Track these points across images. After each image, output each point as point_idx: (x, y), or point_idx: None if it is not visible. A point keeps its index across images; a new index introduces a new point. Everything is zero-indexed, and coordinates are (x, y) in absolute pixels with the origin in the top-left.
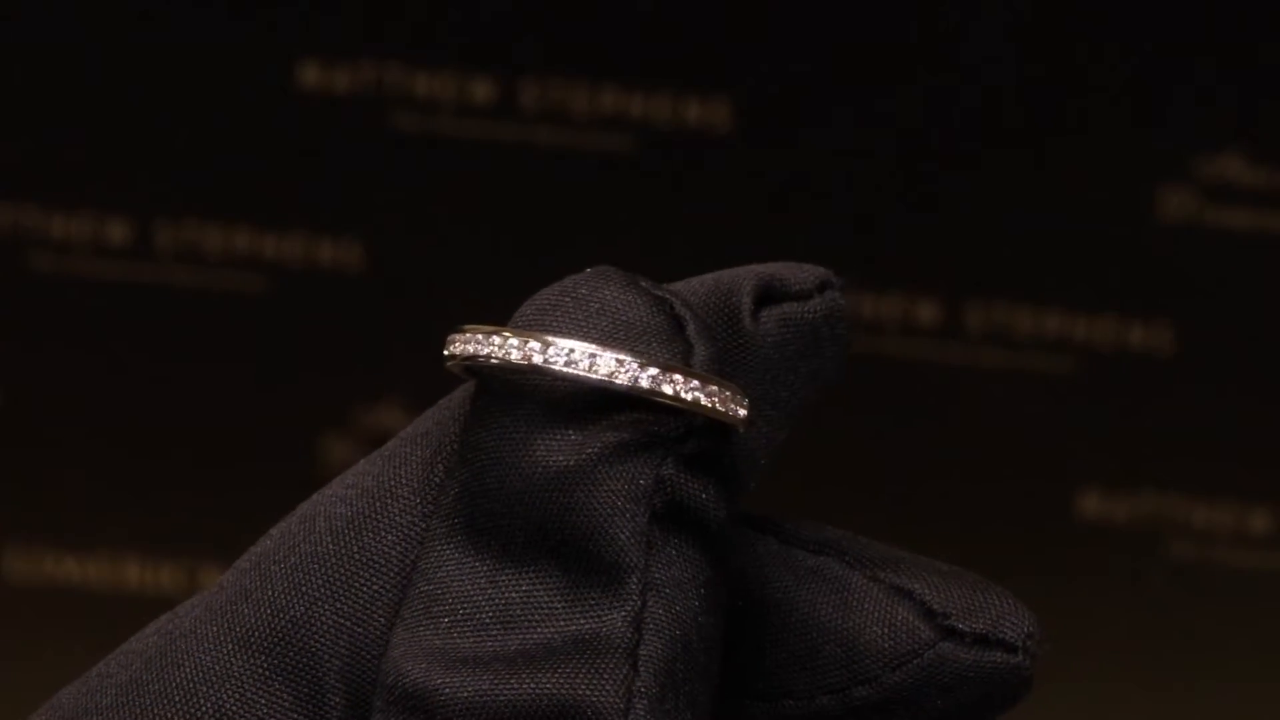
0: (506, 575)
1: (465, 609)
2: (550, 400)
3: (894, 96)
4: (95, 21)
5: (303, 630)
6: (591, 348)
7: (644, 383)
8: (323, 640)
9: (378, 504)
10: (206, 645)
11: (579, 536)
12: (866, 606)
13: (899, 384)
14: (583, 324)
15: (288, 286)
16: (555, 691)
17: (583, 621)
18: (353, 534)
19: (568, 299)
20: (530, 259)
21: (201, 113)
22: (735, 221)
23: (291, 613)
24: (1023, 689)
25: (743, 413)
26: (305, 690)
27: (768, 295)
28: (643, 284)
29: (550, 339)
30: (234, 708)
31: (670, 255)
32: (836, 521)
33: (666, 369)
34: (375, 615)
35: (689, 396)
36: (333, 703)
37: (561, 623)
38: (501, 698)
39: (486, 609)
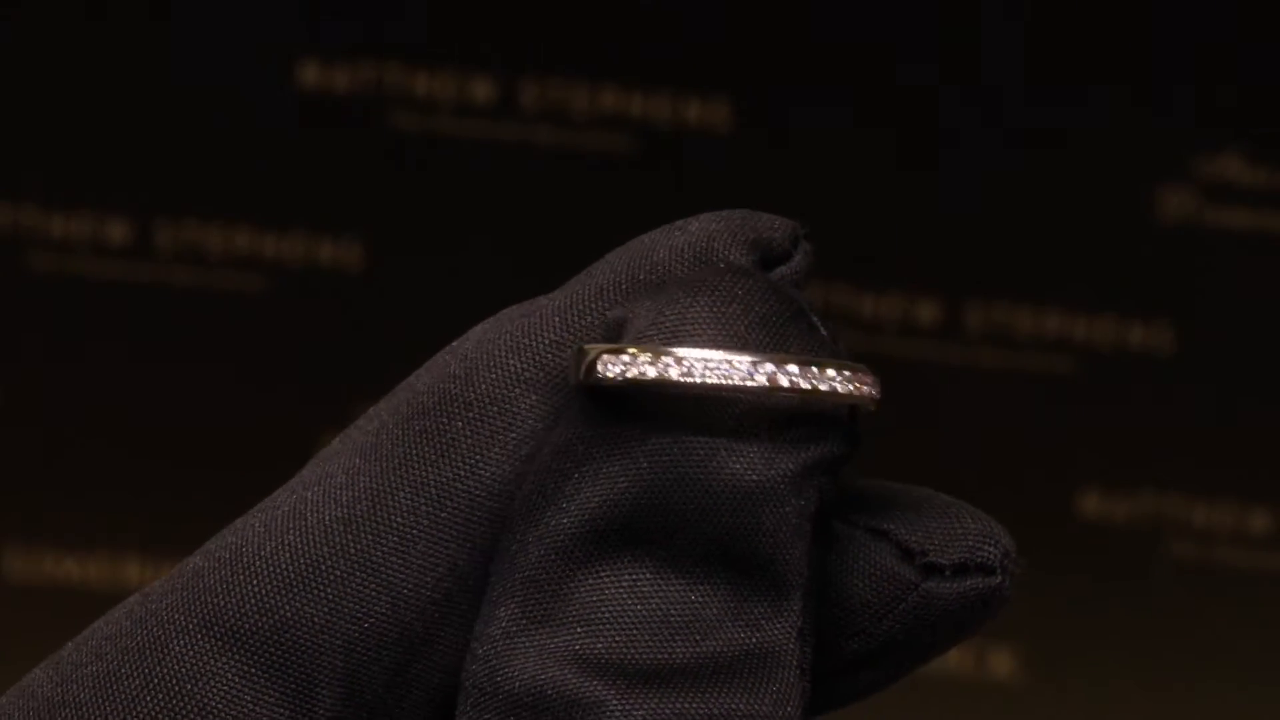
0: (673, 586)
1: (627, 619)
2: (725, 406)
3: (894, 96)
4: (95, 21)
5: (291, 629)
6: (730, 354)
7: (784, 381)
8: (313, 638)
9: (376, 506)
10: (188, 638)
11: (759, 553)
12: (845, 557)
13: (899, 384)
14: (716, 331)
15: (288, 286)
16: (737, 708)
17: (754, 636)
18: (349, 536)
19: (702, 307)
20: (530, 259)
21: (201, 113)
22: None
23: (281, 612)
24: (1000, 607)
25: (876, 393)
26: (293, 688)
27: (762, 264)
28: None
29: (680, 352)
30: (218, 705)
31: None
32: None
33: (802, 364)
34: (370, 614)
35: (825, 388)
36: (322, 700)
37: (729, 636)
38: (687, 714)
39: (653, 620)
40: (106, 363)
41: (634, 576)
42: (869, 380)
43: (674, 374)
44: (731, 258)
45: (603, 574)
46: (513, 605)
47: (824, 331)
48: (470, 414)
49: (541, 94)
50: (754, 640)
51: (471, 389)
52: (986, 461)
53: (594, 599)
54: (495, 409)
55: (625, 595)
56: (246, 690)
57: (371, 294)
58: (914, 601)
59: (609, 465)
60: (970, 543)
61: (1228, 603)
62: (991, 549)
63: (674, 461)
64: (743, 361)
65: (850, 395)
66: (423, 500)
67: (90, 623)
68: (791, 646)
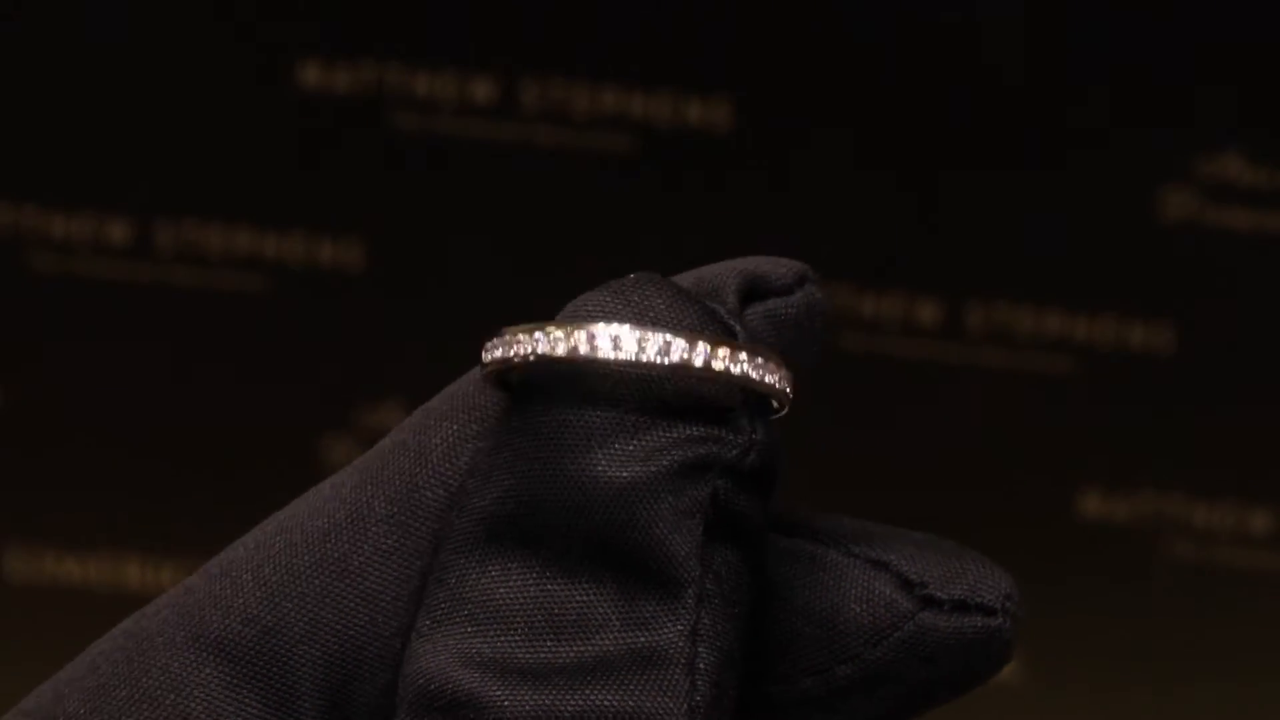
0: (558, 585)
1: (516, 618)
2: (605, 405)
3: (894, 97)
4: (95, 22)
5: (274, 639)
6: (637, 331)
7: (696, 361)
8: (295, 649)
9: (354, 517)
10: (174, 651)
11: (638, 550)
12: (843, 584)
13: (899, 384)
14: (624, 315)
15: (288, 286)
16: (619, 705)
17: (640, 634)
18: (329, 545)
19: (607, 295)
20: (530, 259)
21: (202, 113)
22: (735, 221)
23: (263, 621)
24: (1004, 652)
25: (788, 388)
26: (275, 698)
27: (752, 292)
28: (676, 281)
29: (595, 327)
30: (201, 714)
31: (671, 255)
32: None
33: (714, 344)
34: (349, 627)
35: (738, 370)
36: (305, 712)
37: (617, 635)
38: (565, 712)
39: (539, 618)
40: (107, 363)
41: (522, 575)
42: (783, 374)
43: (583, 350)
44: (721, 284)
45: (493, 572)
46: (424, 607)
47: (740, 339)
48: (445, 423)
49: (542, 94)
50: (641, 639)
51: (449, 400)
52: (987, 461)
53: (483, 598)
54: (467, 415)
55: (514, 594)
56: (229, 701)
57: (372, 294)
58: (909, 631)
59: (500, 464)
60: (971, 582)
61: (1228, 603)
62: (992, 591)
63: (550, 459)
64: (655, 338)
65: (762, 383)
66: (398, 509)
67: (90, 622)
68: (680, 645)
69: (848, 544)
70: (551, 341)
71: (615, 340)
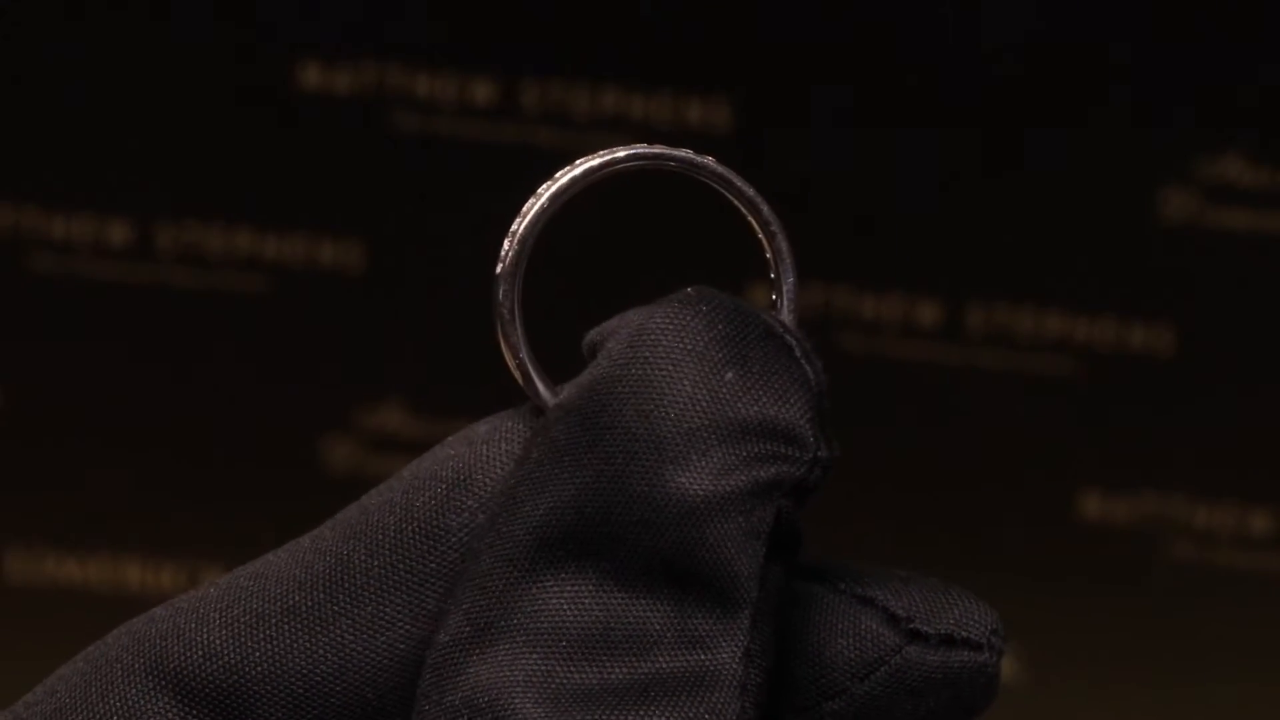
0: (615, 600)
1: (570, 632)
2: (679, 418)
3: (894, 97)
4: (96, 22)
5: (235, 676)
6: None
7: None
8: (257, 689)
9: (332, 568)
10: (132, 678)
11: (704, 569)
12: (830, 619)
13: (899, 385)
14: (671, 337)
15: (289, 287)
16: None
17: (695, 654)
18: (304, 594)
19: (673, 309)
20: (530, 260)
21: (202, 113)
22: (735, 222)
23: (226, 658)
24: (990, 687)
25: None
26: None
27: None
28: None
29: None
30: None
31: (671, 256)
32: (837, 524)
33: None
34: (317, 672)
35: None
36: None
37: (671, 653)
38: None
39: (594, 633)
40: (107, 363)
41: (577, 588)
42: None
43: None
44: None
45: (547, 584)
46: (461, 612)
47: (799, 352)
48: (435, 484)
49: (542, 95)
50: (696, 659)
51: (438, 463)
52: (987, 462)
53: (536, 609)
54: (455, 477)
55: (567, 607)
56: None
57: (372, 294)
58: (896, 665)
59: (558, 474)
60: (957, 617)
61: (1228, 603)
62: (978, 626)
63: (619, 472)
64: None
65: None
66: (379, 563)
67: (90, 623)
68: (735, 667)
69: (835, 581)
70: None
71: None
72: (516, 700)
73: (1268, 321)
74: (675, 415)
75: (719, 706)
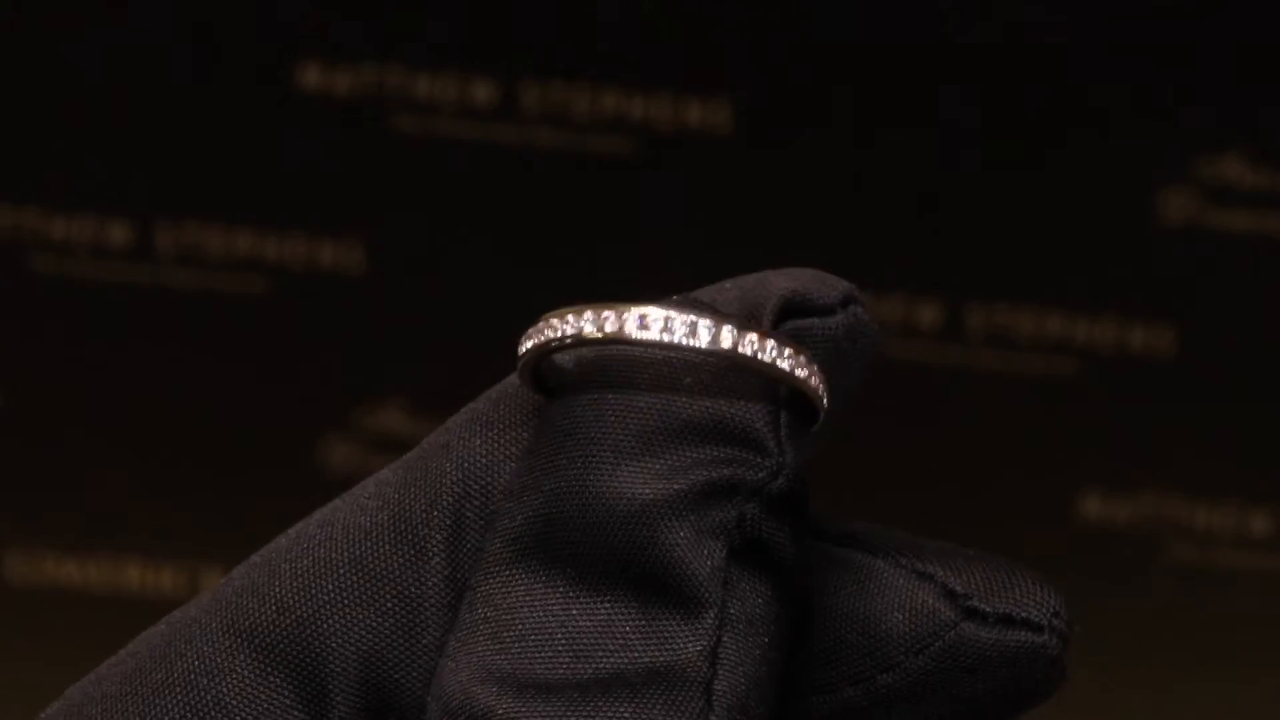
0: (581, 603)
1: (537, 635)
2: (634, 422)
3: (894, 98)
4: (95, 23)
5: (308, 630)
6: (667, 310)
7: (744, 348)
8: (329, 643)
9: (395, 518)
10: (210, 636)
11: (659, 569)
12: (888, 592)
13: (900, 386)
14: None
15: (289, 288)
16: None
17: (658, 653)
18: (368, 545)
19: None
20: (531, 261)
21: (202, 114)
22: (736, 223)
23: (298, 612)
24: (1055, 671)
25: (817, 383)
26: (308, 690)
27: (791, 310)
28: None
29: (624, 307)
30: (234, 701)
31: (671, 257)
32: None
33: (760, 334)
34: (385, 628)
35: (785, 365)
36: (337, 705)
37: (636, 653)
38: None
39: (559, 635)
40: (107, 365)
41: (546, 594)
42: (814, 371)
43: (588, 330)
44: (761, 299)
45: (518, 591)
46: (454, 628)
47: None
48: (489, 430)
49: (542, 96)
50: (660, 658)
51: (493, 405)
52: (988, 464)
53: (506, 617)
54: (510, 419)
55: (536, 612)
56: (262, 689)
57: (372, 296)
58: (950, 640)
59: (530, 485)
60: (1018, 596)
61: (1228, 604)
62: (1040, 608)
63: (576, 477)
64: (706, 324)
65: (806, 382)
66: (438, 514)
67: (90, 624)
68: (698, 665)
69: (896, 555)
70: (579, 324)
71: (642, 319)
72: (479, 694)
73: (1268, 321)
74: (630, 419)
75: (679, 703)
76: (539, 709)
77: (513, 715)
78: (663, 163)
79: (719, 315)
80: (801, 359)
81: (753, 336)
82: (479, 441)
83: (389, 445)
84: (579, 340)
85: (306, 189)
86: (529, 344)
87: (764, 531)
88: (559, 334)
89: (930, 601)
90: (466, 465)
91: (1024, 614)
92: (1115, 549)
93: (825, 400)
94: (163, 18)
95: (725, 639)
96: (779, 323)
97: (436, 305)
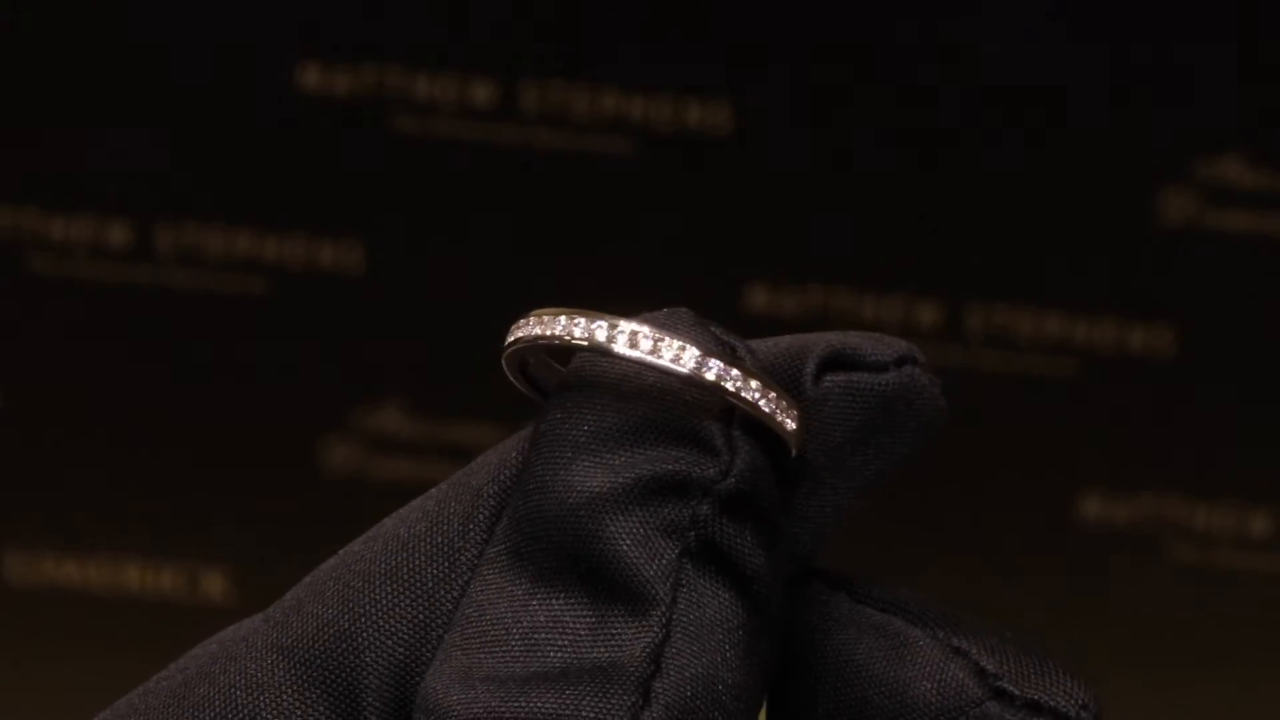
0: (538, 599)
1: (495, 631)
2: (595, 423)
3: (894, 98)
4: (95, 23)
5: (345, 644)
6: (657, 332)
7: (708, 374)
8: (363, 656)
9: (432, 530)
10: (255, 653)
11: (606, 565)
12: (920, 661)
13: None
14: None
15: (288, 289)
16: (557, 712)
17: (603, 650)
18: (404, 556)
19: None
20: (531, 262)
21: (202, 115)
22: (736, 224)
23: (337, 626)
24: None
25: (791, 425)
26: (343, 704)
27: (836, 362)
28: (712, 328)
29: (618, 321)
30: (269, 715)
31: (671, 258)
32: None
33: (731, 363)
34: (415, 637)
35: (750, 396)
36: (369, 715)
37: (584, 649)
38: (504, 714)
39: (515, 632)
40: (107, 365)
41: (511, 589)
42: (784, 407)
43: (577, 333)
44: (807, 349)
45: (491, 587)
46: (450, 627)
47: (745, 360)
48: (525, 445)
49: (542, 97)
50: (605, 655)
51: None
52: (988, 464)
53: (476, 613)
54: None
55: (500, 610)
56: (299, 703)
57: (372, 297)
58: (975, 716)
59: (519, 485)
60: (1048, 685)
61: (1228, 604)
62: (1069, 698)
63: (541, 474)
64: (692, 354)
65: (771, 416)
66: (473, 525)
67: (90, 625)
68: (638, 662)
69: (934, 627)
70: (569, 329)
71: (633, 335)
72: (437, 688)
73: (1268, 321)
74: (593, 419)
75: (611, 697)
76: (479, 699)
77: (456, 704)
78: (663, 163)
79: (706, 346)
80: (772, 395)
81: (724, 366)
82: (514, 454)
83: (389, 445)
84: (565, 343)
85: (306, 189)
86: (513, 336)
87: (719, 534)
88: (549, 332)
89: (961, 676)
90: (502, 479)
91: (1052, 702)
92: (1115, 549)
93: (795, 437)
94: (163, 18)
95: (675, 639)
96: (822, 371)
97: (436, 305)
